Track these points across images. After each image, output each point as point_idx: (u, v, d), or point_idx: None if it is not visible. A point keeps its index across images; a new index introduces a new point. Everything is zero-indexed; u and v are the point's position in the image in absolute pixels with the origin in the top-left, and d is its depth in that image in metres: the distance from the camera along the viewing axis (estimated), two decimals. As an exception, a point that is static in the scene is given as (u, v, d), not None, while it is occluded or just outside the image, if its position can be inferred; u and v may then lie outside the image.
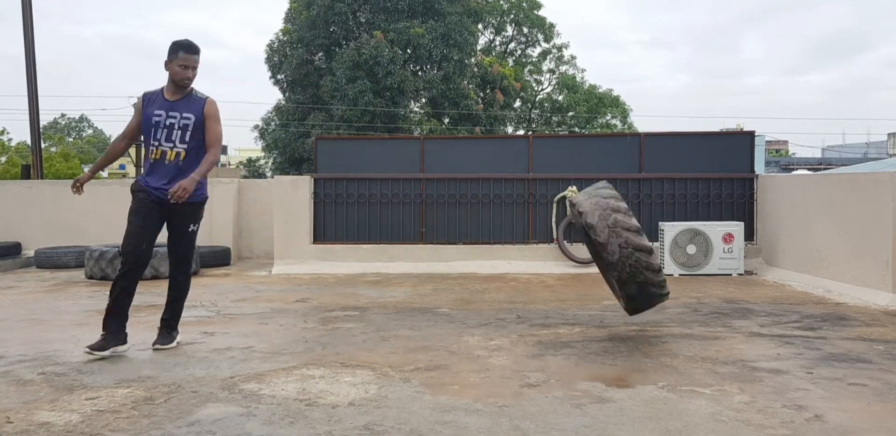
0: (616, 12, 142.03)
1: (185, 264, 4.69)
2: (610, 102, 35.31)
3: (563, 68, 35.90)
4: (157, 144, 4.44)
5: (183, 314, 5.80)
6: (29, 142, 15.31)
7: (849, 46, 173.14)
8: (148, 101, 4.50)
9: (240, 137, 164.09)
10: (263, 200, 10.36)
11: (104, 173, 59.39)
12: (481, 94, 29.71)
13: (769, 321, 5.43)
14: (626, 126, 35.86)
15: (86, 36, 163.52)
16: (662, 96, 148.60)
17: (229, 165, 56.98)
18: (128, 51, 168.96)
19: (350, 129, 25.80)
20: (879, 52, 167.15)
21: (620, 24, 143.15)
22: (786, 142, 61.62)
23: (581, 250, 8.88)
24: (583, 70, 36.42)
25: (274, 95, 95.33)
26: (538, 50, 35.60)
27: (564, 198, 9.02)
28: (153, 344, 4.57)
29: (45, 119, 65.96)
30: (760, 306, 6.12)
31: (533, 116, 35.65)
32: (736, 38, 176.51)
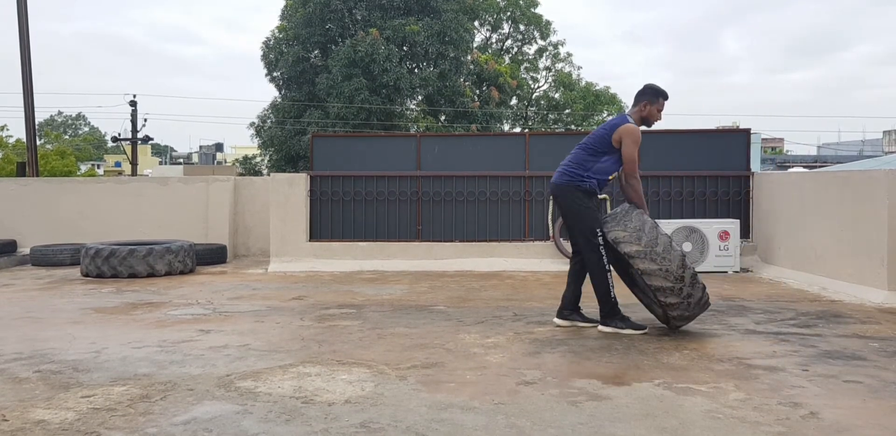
0: (592, 9, 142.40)
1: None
2: (607, 100, 35.29)
3: (559, 66, 35.92)
4: None
5: (178, 312, 5.83)
6: (24, 139, 15.29)
7: (828, 45, 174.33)
8: None
9: (236, 134, 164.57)
10: (259, 197, 10.35)
11: (99, 171, 58.96)
12: (477, 92, 29.70)
13: (765, 319, 5.44)
14: (622, 124, 35.78)
15: (62, 33, 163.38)
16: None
17: (225, 162, 56.89)
18: (104, 48, 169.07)
19: (346, 126, 25.77)
20: (860, 49, 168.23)
21: (598, 21, 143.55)
22: (781, 139, 61.71)
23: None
24: (579, 67, 36.45)
25: (268, 92, 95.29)
26: (534, 47, 35.60)
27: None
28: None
29: (41, 116, 65.78)
30: (756, 304, 6.13)
31: (529, 113, 35.62)
32: (715, 36, 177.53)
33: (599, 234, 4.94)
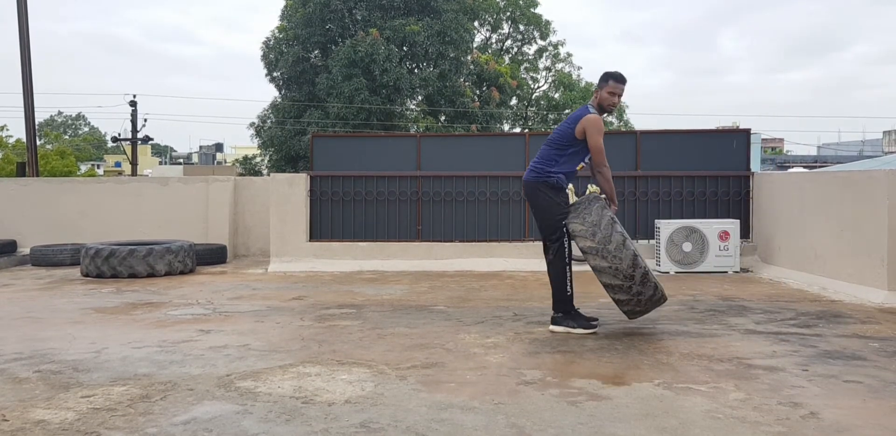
0: (591, 9, 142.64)
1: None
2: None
3: (559, 66, 35.90)
4: None
5: (178, 312, 5.83)
6: (24, 139, 15.31)
7: (827, 44, 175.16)
8: None
9: (236, 134, 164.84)
10: (260, 197, 10.35)
11: (99, 171, 58.98)
12: (477, 92, 29.69)
13: (765, 319, 5.44)
14: (622, 123, 35.85)
15: (61, 33, 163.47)
16: (646, 94, 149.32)
17: (225, 162, 56.89)
18: (103, 48, 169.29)
19: (346, 126, 25.77)
20: (859, 49, 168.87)
21: (597, 21, 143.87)
22: (781, 140, 61.81)
23: (577, 249, 8.88)
24: (579, 68, 36.41)
25: (268, 92, 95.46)
26: (534, 47, 35.59)
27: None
28: None
29: (41, 116, 65.83)
30: (756, 304, 6.14)
31: (529, 113, 35.61)
32: (714, 36, 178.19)
33: (565, 229, 4.97)
